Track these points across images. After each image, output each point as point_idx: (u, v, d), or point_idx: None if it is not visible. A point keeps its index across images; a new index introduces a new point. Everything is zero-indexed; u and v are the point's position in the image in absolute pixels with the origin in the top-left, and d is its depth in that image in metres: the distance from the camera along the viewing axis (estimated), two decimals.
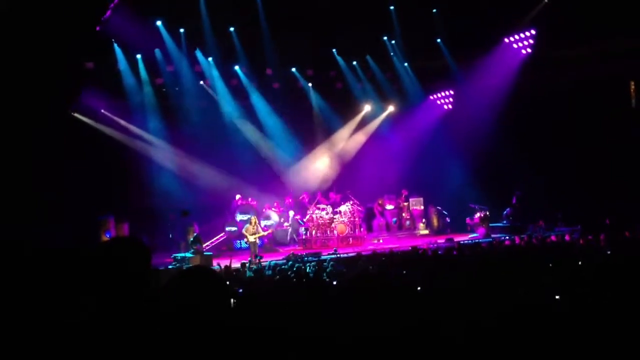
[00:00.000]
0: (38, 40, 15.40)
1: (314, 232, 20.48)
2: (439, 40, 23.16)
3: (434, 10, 22.03)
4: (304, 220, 20.66)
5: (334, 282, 8.68)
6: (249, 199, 21.79)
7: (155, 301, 2.67)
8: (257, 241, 17.68)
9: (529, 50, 21.70)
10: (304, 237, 20.50)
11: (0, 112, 15.60)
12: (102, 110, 20.28)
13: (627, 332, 3.80)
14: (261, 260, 15.21)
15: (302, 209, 21.60)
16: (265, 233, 18.40)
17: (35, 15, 15.05)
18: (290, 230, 21.11)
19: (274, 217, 21.53)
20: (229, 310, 2.73)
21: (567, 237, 15.16)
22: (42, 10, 15.15)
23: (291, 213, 21.32)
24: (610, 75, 19.92)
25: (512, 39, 22.05)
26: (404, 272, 9.53)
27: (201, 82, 21.99)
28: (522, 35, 21.77)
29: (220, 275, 2.39)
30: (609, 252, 10.36)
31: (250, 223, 17.71)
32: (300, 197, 22.50)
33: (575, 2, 18.58)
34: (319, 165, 24.15)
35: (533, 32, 21.38)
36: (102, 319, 2.56)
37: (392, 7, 22.11)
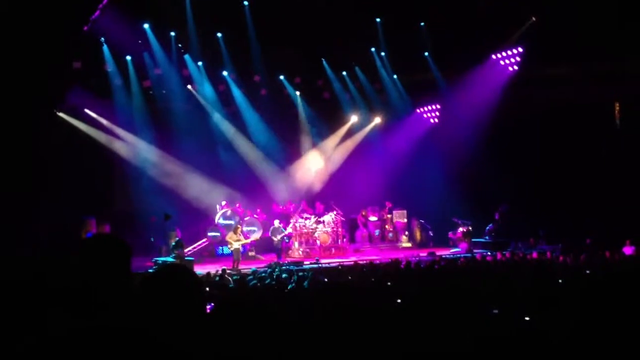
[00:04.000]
0: (25, 37, 15.29)
1: (296, 241, 20.44)
2: (426, 54, 23.29)
3: (422, 24, 22.12)
4: (286, 228, 20.57)
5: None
6: (236, 205, 21.70)
7: (132, 300, 2.63)
8: (240, 248, 17.71)
9: (515, 67, 21.88)
10: (286, 244, 20.41)
11: None
12: (86, 110, 20.08)
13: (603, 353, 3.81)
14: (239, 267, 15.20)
15: (286, 218, 21.49)
16: (248, 240, 18.40)
17: (23, 13, 14.95)
18: (276, 240, 20.11)
19: (257, 225, 21.41)
20: (203, 313, 2.68)
21: (548, 255, 15.25)
22: (29, 7, 15.06)
23: (276, 222, 20.53)
24: (596, 95, 20.11)
25: (499, 55, 22.22)
26: (388, 283, 9.58)
27: (188, 86, 21.89)
28: (509, 52, 21.96)
29: (196, 276, 2.37)
30: (587, 272, 10.43)
31: (234, 231, 17.73)
32: (285, 206, 22.44)
33: (563, 22, 18.75)
34: (304, 174, 24.14)
35: (520, 49, 21.56)
36: (81, 319, 2.52)
37: (378, 19, 22.19)
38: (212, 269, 14.56)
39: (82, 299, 2.62)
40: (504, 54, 22.12)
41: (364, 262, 14.96)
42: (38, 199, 16.63)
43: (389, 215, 23.37)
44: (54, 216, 16.77)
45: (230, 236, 17.73)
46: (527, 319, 5.60)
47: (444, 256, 17.27)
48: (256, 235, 19.78)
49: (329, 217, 21.09)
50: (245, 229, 20.10)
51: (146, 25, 19.97)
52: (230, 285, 11.02)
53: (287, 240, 20.44)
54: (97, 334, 2.36)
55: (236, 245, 17.35)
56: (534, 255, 15.11)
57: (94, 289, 2.65)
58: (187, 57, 21.27)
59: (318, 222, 20.89)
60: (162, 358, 2.36)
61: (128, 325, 2.45)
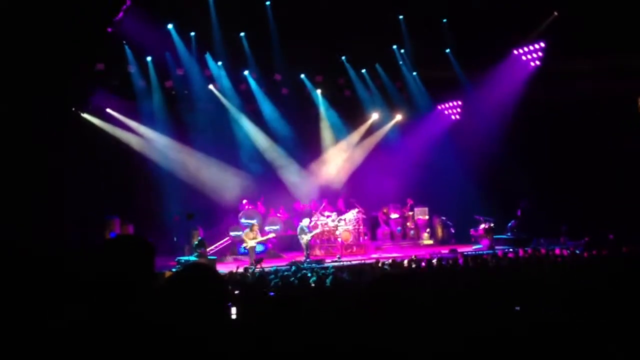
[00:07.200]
0: (49, 39, 15.47)
1: (317, 239, 20.46)
2: (448, 50, 23.20)
3: (444, 21, 22.04)
4: (309, 226, 20.57)
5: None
6: (258, 204, 21.79)
7: (156, 299, 2.67)
8: (257, 246, 17.76)
9: (537, 62, 21.71)
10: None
11: (10, 112, 15.67)
12: (109, 110, 20.24)
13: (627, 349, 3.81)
14: (262, 265, 15.20)
15: (309, 216, 21.46)
16: (266, 238, 18.44)
17: (46, 15, 15.13)
18: (305, 239, 18.92)
19: (280, 224, 21.50)
20: (227, 311, 2.73)
21: (571, 251, 15.13)
22: (53, 10, 15.24)
23: (306, 221, 19.37)
24: (618, 90, 19.89)
25: (521, 51, 22.08)
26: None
27: (210, 86, 21.98)
28: (531, 47, 21.80)
29: (220, 275, 2.40)
30: (610, 267, 10.35)
31: (251, 229, 17.79)
32: (307, 204, 22.48)
33: (585, 16, 18.59)
34: (326, 172, 24.16)
35: (542, 44, 21.39)
36: (104, 318, 2.57)
37: (401, 17, 22.14)
38: (235, 267, 14.64)
39: (107, 297, 2.68)
40: (525, 49, 21.97)
41: (386, 259, 14.96)
42: (62, 200, 16.81)
43: (410, 213, 23.31)
44: (78, 216, 16.95)
45: (246, 234, 17.80)
46: (550, 313, 5.59)
47: (465, 253, 17.17)
48: (277, 233, 19.78)
49: (350, 215, 21.07)
50: (267, 228, 20.20)
51: (170, 26, 20.13)
52: (249, 280, 11.09)
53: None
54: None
55: (251, 243, 17.42)
56: (557, 251, 14.99)
57: (119, 289, 2.70)
58: (208, 56, 21.40)
59: (339, 220, 20.90)
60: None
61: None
